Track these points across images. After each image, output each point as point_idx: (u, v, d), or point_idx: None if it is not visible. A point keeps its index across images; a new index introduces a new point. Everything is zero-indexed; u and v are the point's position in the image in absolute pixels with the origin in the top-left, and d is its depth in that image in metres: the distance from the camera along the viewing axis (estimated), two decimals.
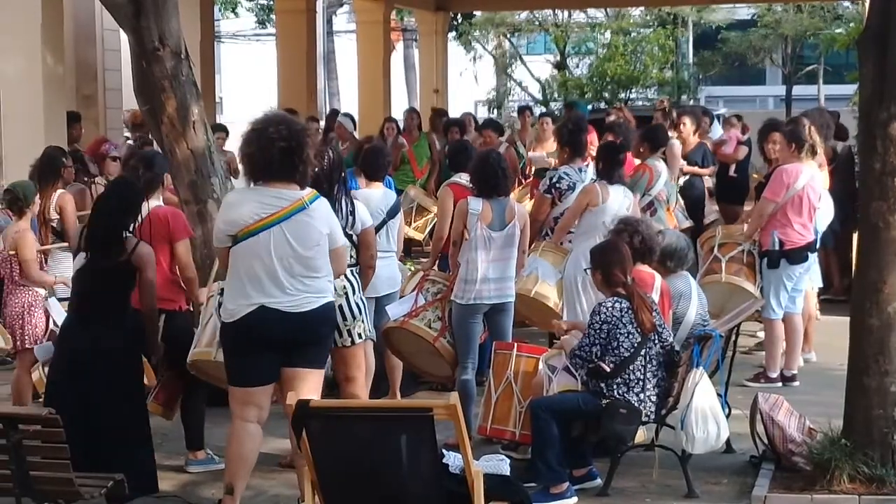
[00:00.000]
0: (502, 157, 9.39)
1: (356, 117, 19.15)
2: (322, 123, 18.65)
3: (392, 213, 9.44)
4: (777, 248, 10.33)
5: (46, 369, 8.05)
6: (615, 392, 7.63)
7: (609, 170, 10.03)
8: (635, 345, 7.64)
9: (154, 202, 8.48)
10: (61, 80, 13.94)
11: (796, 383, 10.44)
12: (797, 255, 10.39)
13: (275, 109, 7.28)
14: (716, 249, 10.66)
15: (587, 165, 10.75)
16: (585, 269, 8.42)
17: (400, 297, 9.41)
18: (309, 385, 7.03)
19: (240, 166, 8.00)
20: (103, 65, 20.18)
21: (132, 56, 10.05)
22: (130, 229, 7.63)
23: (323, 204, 7.13)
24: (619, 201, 9.86)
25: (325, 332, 7.21)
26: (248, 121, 7.25)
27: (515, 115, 21.89)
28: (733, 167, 14.73)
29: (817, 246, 10.76)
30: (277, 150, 6.93)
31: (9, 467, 6.09)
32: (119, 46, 19.07)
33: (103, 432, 7.28)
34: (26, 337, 9.15)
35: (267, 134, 6.97)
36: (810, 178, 10.42)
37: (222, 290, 7.56)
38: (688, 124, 14.41)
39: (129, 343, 7.54)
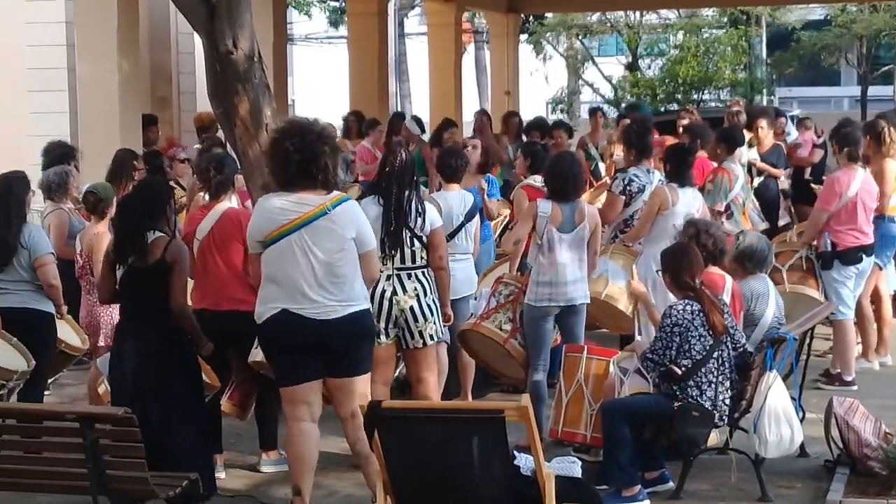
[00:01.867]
0: (576, 160, 9.36)
1: (427, 119, 19.15)
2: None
3: (470, 215, 9.44)
4: (829, 249, 10.35)
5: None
6: (687, 395, 7.59)
7: (678, 172, 9.97)
8: (707, 347, 7.59)
9: (226, 203, 8.55)
10: (136, 82, 14.06)
11: (854, 387, 10.34)
12: (850, 256, 10.44)
13: (294, 118, 7.33)
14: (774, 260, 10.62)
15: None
16: (657, 271, 8.38)
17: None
18: (352, 392, 7.08)
19: None
20: (178, 68, 20.35)
21: (206, 59, 10.11)
22: (161, 228, 7.63)
23: (349, 207, 7.12)
24: (688, 203, 9.79)
25: (354, 341, 7.16)
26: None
27: (587, 116, 21.81)
28: (808, 170, 14.59)
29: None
30: (294, 164, 7.00)
31: (85, 466, 6.16)
32: (193, 49, 19.23)
33: (158, 434, 7.32)
34: (102, 337, 9.25)
35: (283, 147, 7.04)
36: (863, 182, 10.49)
37: None
38: (764, 126, 14.30)
39: (173, 344, 7.56)
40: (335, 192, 7.12)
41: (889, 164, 10.97)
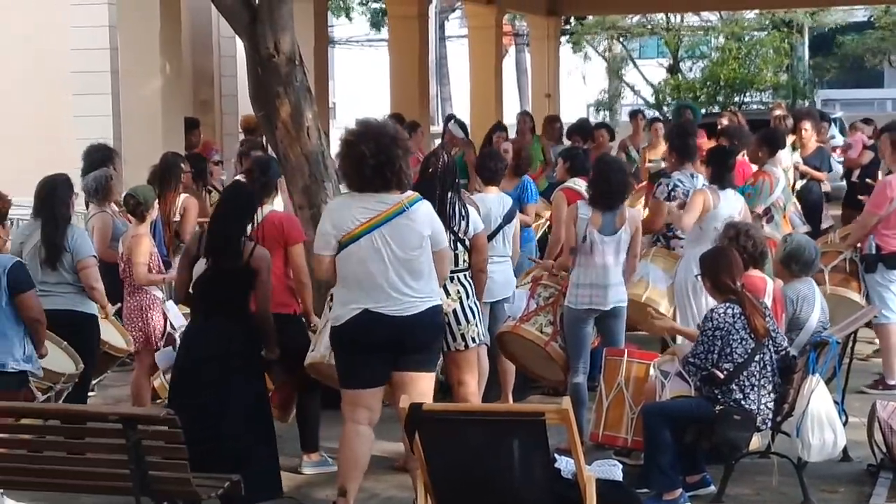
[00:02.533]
0: (622, 167, 9.32)
1: (468, 122, 19.16)
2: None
3: (508, 218, 9.44)
4: (874, 252, 10.29)
5: (168, 376, 8.18)
6: (729, 398, 7.56)
7: (719, 175, 9.93)
8: (749, 350, 7.56)
9: (269, 207, 8.58)
10: (179, 86, 14.14)
11: None
12: (894, 260, 10.32)
13: (365, 119, 7.33)
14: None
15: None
16: (697, 275, 8.35)
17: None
18: (419, 389, 7.07)
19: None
20: (220, 71, 20.45)
21: (247, 62, 10.18)
22: (248, 233, 7.72)
23: (424, 206, 7.16)
24: (730, 206, 9.75)
25: (431, 335, 7.23)
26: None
27: (626, 118, 21.78)
28: (857, 172, 14.51)
29: None
30: (369, 168, 7.01)
31: (128, 467, 6.19)
32: (235, 53, 19.31)
33: (228, 434, 7.36)
34: (145, 339, 9.31)
35: (358, 151, 7.04)
36: None
37: (332, 296, 7.65)
38: (808, 129, 14.23)
39: (250, 345, 7.65)
40: (409, 192, 7.15)
41: None
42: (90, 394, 9.29)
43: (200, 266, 7.63)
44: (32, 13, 18.27)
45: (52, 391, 7.92)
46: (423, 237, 7.08)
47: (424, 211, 7.14)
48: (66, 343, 8.28)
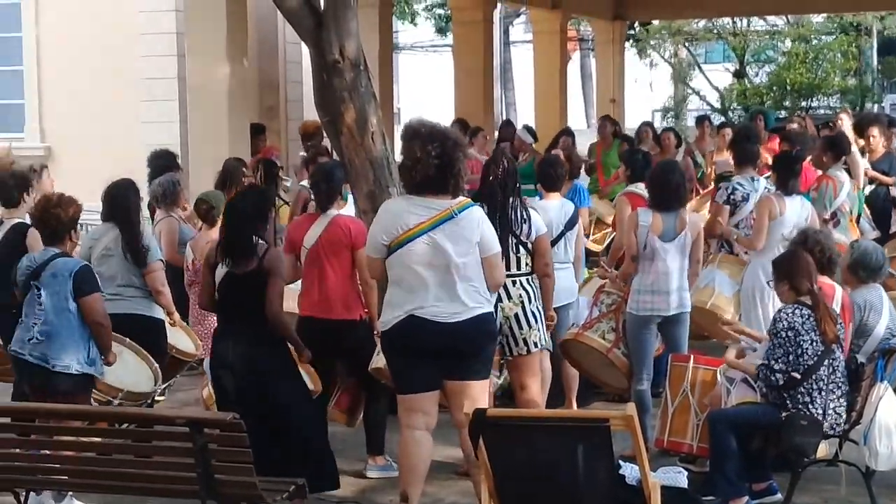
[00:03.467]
0: (680, 168, 9.29)
1: (532, 128, 19.15)
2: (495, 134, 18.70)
3: (570, 225, 9.42)
4: None
5: None
6: (797, 403, 7.49)
7: (784, 180, 9.85)
8: (818, 353, 7.49)
9: (334, 211, 8.62)
10: (245, 92, 14.25)
11: None
12: None
13: (421, 119, 7.32)
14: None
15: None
16: (768, 282, 8.28)
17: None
18: (472, 396, 7.00)
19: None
20: (285, 77, 20.58)
21: (313, 68, 10.22)
22: (262, 236, 7.70)
23: (474, 212, 7.12)
24: (796, 212, 9.67)
25: (481, 343, 7.16)
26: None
27: (692, 124, 21.67)
28: None
29: None
30: (433, 168, 7.00)
31: (195, 470, 6.23)
32: (300, 59, 19.42)
33: (272, 435, 7.39)
34: (207, 344, 9.37)
35: (424, 150, 7.03)
36: None
37: None
38: (876, 134, 14.09)
39: (270, 346, 7.63)
40: (460, 197, 7.15)
41: None
42: (158, 398, 9.36)
43: (221, 272, 7.65)
44: (101, 21, 18.50)
45: (109, 405, 7.98)
46: (472, 243, 7.04)
47: (474, 217, 7.10)
48: (157, 365, 8.33)
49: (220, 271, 7.66)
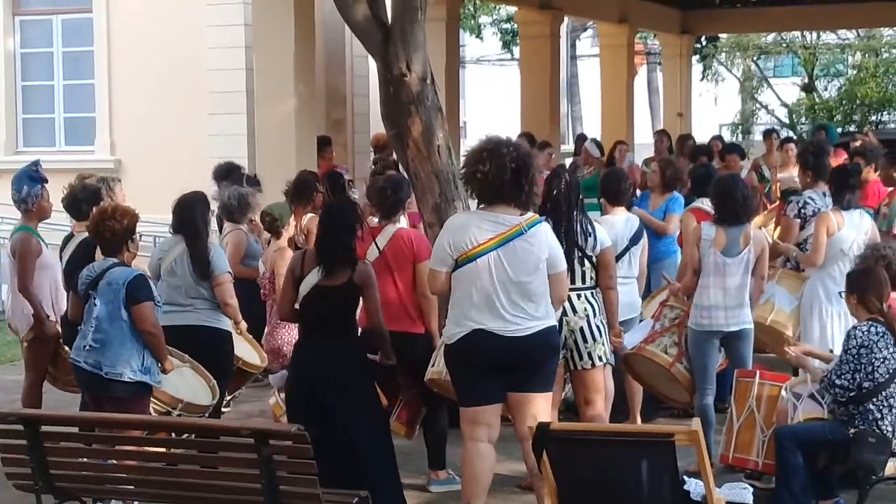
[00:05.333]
0: (744, 183, 9.23)
1: (600, 141, 19.12)
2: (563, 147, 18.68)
3: (635, 240, 9.38)
4: None
5: (282, 395, 8.26)
6: (866, 419, 7.41)
7: (840, 195, 9.73)
8: (891, 370, 7.41)
9: (397, 225, 8.64)
10: (312, 105, 14.33)
11: None
12: None
13: (490, 136, 7.34)
14: None
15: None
16: (840, 293, 8.20)
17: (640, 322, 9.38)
18: (534, 409, 7.04)
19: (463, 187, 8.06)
20: (352, 90, 20.67)
21: (380, 81, 10.27)
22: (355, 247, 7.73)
23: (543, 229, 7.13)
24: (855, 227, 9.55)
25: (545, 356, 7.17)
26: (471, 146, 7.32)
27: (761, 138, 21.52)
28: None
29: None
30: (510, 171, 6.99)
31: (259, 481, 6.26)
32: (367, 72, 19.51)
33: (338, 452, 7.41)
34: (275, 357, 9.41)
35: (500, 153, 7.03)
36: None
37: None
38: None
39: (356, 361, 7.66)
40: (530, 213, 7.14)
41: None
42: (224, 409, 9.42)
43: (307, 285, 7.67)
44: (171, 35, 18.69)
45: (169, 416, 8.04)
46: (541, 260, 7.05)
47: (543, 233, 7.11)
48: (214, 382, 8.40)
49: (306, 284, 7.67)
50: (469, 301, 7.04)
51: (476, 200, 7.32)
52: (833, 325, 9.37)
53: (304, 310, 7.72)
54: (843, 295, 7.98)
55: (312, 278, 7.60)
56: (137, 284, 7.72)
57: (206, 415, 8.27)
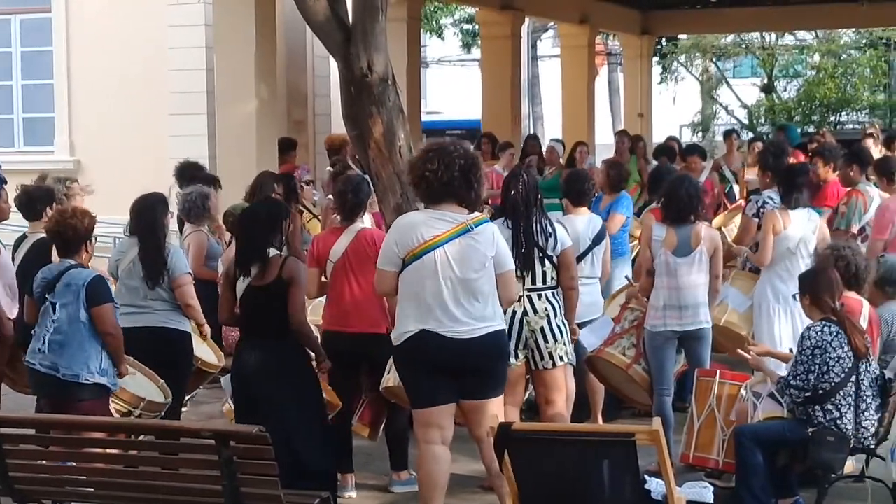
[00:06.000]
0: (691, 183, 9.26)
1: (563, 141, 19.18)
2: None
3: (598, 240, 9.41)
4: None
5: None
6: (825, 418, 7.46)
7: (788, 194, 9.79)
8: (846, 369, 7.46)
9: (359, 225, 8.64)
10: (273, 106, 14.29)
11: None
12: None
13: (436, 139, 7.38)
14: None
15: None
16: (794, 295, 8.26)
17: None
18: (488, 414, 6.99)
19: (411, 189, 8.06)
20: (313, 91, 20.65)
21: (341, 82, 10.27)
22: (277, 247, 7.69)
23: (490, 228, 7.12)
24: (801, 226, 9.59)
25: (494, 362, 7.15)
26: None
27: (721, 139, 21.63)
28: None
29: None
30: (458, 168, 6.99)
31: (220, 483, 6.24)
32: (329, 73, 19.49)
33: (279, 449, 7.35)
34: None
35: (448, 152, 7.03)
36: None
37: None
38: None
39: (291, 359, 7.63)
40: (476, 213, 7.15)
41: None
42: (183, 410, 9.39)
43: (241, 287, 7.64)
44: (131, 35, 18.60)
45: (130, 416, 8.00)
46: (487, 258, 7.02)
47: (490, 231, 7.09)
48: (163, 382, 8.36)
49: (241, 285, 7.67)
50: (416, 300, 7.00)
51: (424, 203, 7.25)
52: (781, 324, 9.43)
53: (241, 311, 7.71)
54: (797, 296, 8.02)
55: (246, 279, 7.61)
56: (97, 286, 7.68)
57: (163, 413, 8.24)
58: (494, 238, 7.11)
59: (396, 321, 7.18)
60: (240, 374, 7.70)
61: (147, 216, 8.67)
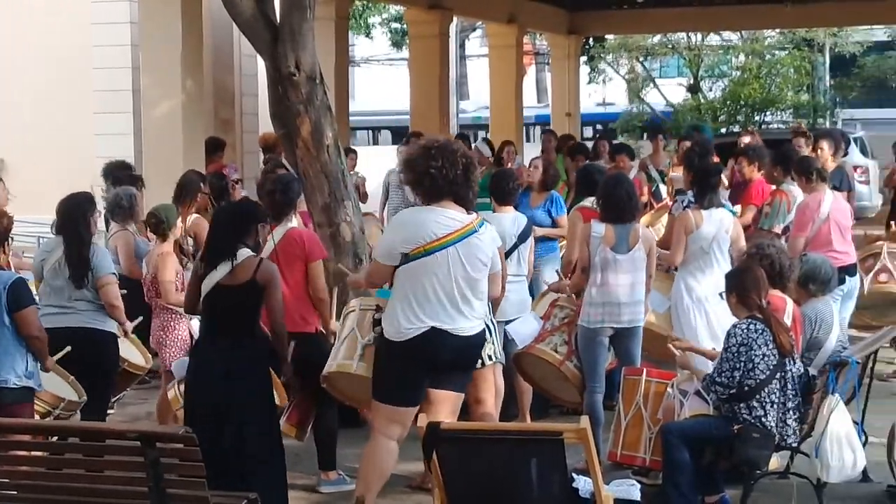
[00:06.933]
0: (629, 182, 9.33)
1: (491, 140, 19.21)
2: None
3: (523, 238, 9.44)
4: None
5: (181, 387, 8.17)
6: (750, 415, 7.53)
7: (701, 194, 9.87)
8: (771, 367, 7.53)
9: (289, 224, 8.60)
10: (200, 105, 14.20)
11: None
12: None
13: (429, 136, 7.39)
14: None
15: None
16: (720, 294, 8.33)
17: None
18: (449, 408, 7.12)
19: (407, 188, 8.03)
20: (241, 90, 20.55)
21: (269, 81, 10.22)
22: (252, 247, 7.61)
23: (490, 229, 7.24)
24: (714, 225, 9.68)
25: (476, 357, 7.36)
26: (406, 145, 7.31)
27: (646, 139, 21.78)
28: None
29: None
30: (462, 166, 7.03)
31: (146, 484, 6.18)
32: (256, 72, 19.40)
33: (234, 452, 7.33)
34: (167, 357, 9.32)
35: (451, 150, 7.07)
36: (834, 203, 10.76)
37: (378, 306, 7.60)
38: (825, 148, 14.20)
39: (257, 362, 7.58)
40: (474, 213, 7.19)
41: None
42: (109, 411, 9.30)
43: (209, 283, 7.55)
44: (55, 33, 18.42)
45: (50, 416, 7.92)
46: (489, 258, 7.12)
47: (490, 234, 7.21)
48: (73, 378, 8.26)
49: (209, 281, 7.53)
50: (423, 297, 6.98)
51: (422, 199, 7.18)
52: (696, 323, 9.51)
53: (205, 308, 7.64)
54: (724, 295, 8.09)
55: (215, 276, 7.52)
56: (18, 289, 7.56)
57: (78, 412, 8.15)
58: (493, 239, 7.24)
59: (393, 316, 7.08)
60: (200, 370, 7.59)
61: (73, 216, 8.57)
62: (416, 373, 7.06)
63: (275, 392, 7.94)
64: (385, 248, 7.17)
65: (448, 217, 7.02)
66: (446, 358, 7.04)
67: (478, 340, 7.18)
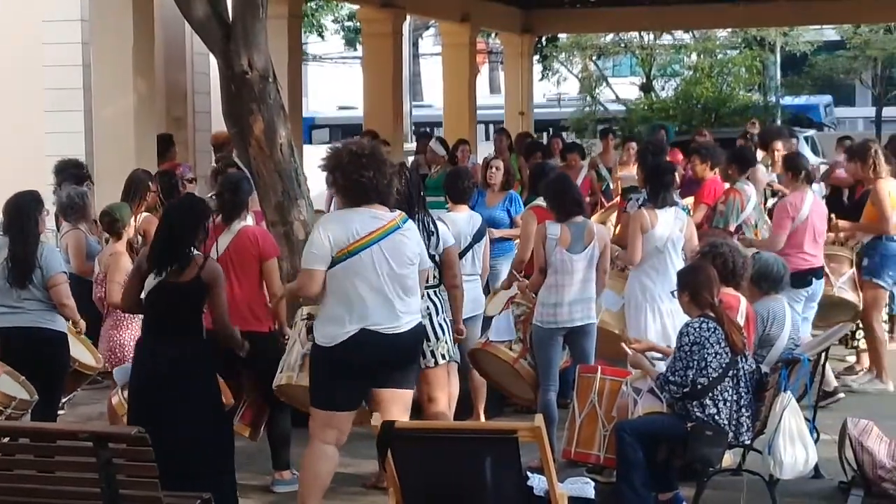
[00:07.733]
0: (568, 179, 9.38)
1: (445, 140, 19.22)
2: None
3: (478, 237, 9.45)
4: None
5: (125, 393, 8.11)
6: (703, 413, 7.56)
7: (654, 193, 9.91)
8: (724, 365, 7.57)
9: (242, 223, 8.55)
10: (152, 102, 14.11)
11: None
12: (800, 280, 10.40)
13: (346, 140, 7.38)
14: None
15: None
16: (672, 292, 8.36)
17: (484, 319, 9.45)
18: (401, 405, 7.10)
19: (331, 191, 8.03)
20: (193, 88, 20.40)
21: (221, 79, 10.17)
22: (197, 246, 7.54)
23: (413, 225, 7.25)
24: (668, 224, 9.71)
25: (416, 353, 7.32)
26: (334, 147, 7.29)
27: (598, 138, 21.86)
28: (847, 191, 14.61)
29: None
30: (389, 174, 7.06)
31: (98, 485, 6.15)
32: (208, 70, 19.26)
33: (179, 453, 7.26)
34: (114, 358, 9.26)
35: (382, 160, 7.08)
36: (813, 205, 10.82)
37: (310, 315, 7.59)
38: (780, 147, 14.31)
39: (201, 361, 7.52)
40: (398, 211, 7.18)
41: (881, 185, 11.17)
42: (60, 412, 9.23)
43: (151, 281, 7.50)
44: (3, 30, 18.22)
45: (1, 416, 7.84)
46: (416, 254, 7.12)
47: (414, 229, 7.23)
48: (24, 378, 8.18)
49: (151, 281, 7.47)
50: (350, 299, 6.95)
51: (347, 204, 7.15)
52: (649, 322, 9.55)
53: (147, 306, 7.57)
54: (675, 293, 8.12)
55: (153, 278, 7.45)
56: None
57: (30, 411, 8.08)
58: (419, 235, 7.27)
59: (325, 322, 7.05)
60: (141, 369, 7.53)
61: (19, 215, 8.49)
62: (349, 376, 7.02)
63: (222, 394, 7.90)
64: (314, 254, 7.01)
65: (370, 216, 7.02)
66: (380, 358, 7.00)
67: (413, 335, 7.11)
